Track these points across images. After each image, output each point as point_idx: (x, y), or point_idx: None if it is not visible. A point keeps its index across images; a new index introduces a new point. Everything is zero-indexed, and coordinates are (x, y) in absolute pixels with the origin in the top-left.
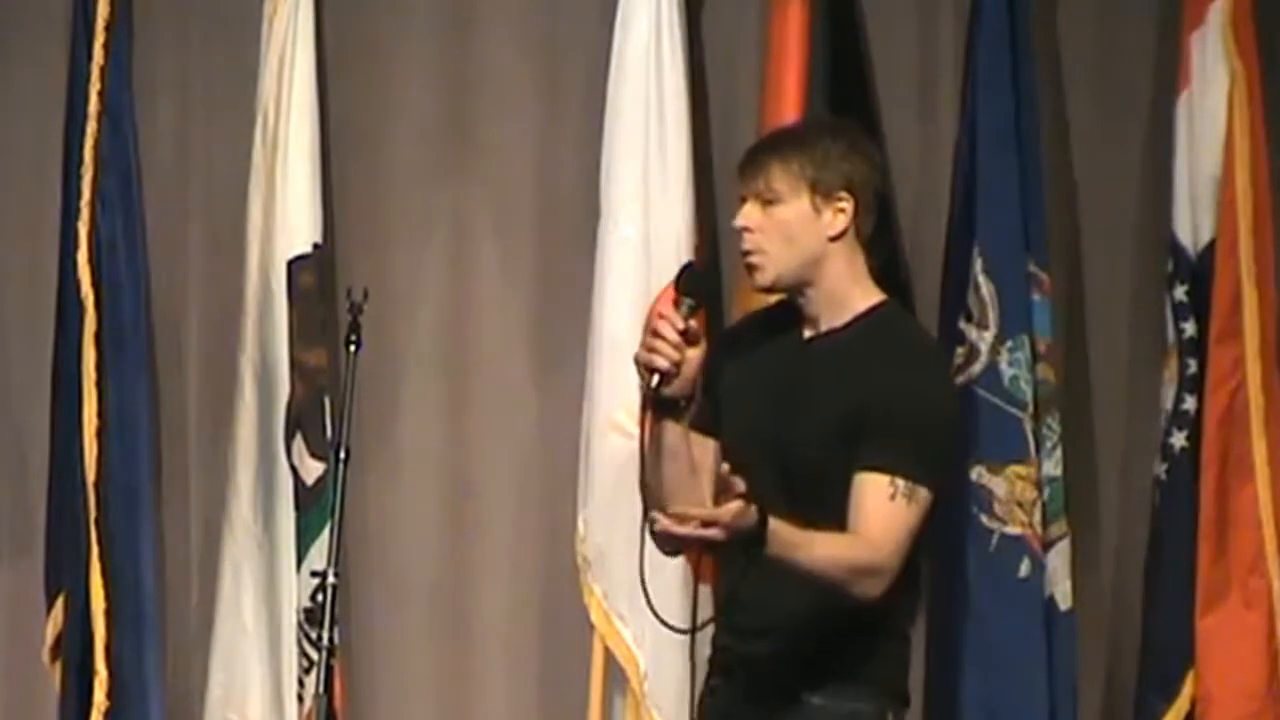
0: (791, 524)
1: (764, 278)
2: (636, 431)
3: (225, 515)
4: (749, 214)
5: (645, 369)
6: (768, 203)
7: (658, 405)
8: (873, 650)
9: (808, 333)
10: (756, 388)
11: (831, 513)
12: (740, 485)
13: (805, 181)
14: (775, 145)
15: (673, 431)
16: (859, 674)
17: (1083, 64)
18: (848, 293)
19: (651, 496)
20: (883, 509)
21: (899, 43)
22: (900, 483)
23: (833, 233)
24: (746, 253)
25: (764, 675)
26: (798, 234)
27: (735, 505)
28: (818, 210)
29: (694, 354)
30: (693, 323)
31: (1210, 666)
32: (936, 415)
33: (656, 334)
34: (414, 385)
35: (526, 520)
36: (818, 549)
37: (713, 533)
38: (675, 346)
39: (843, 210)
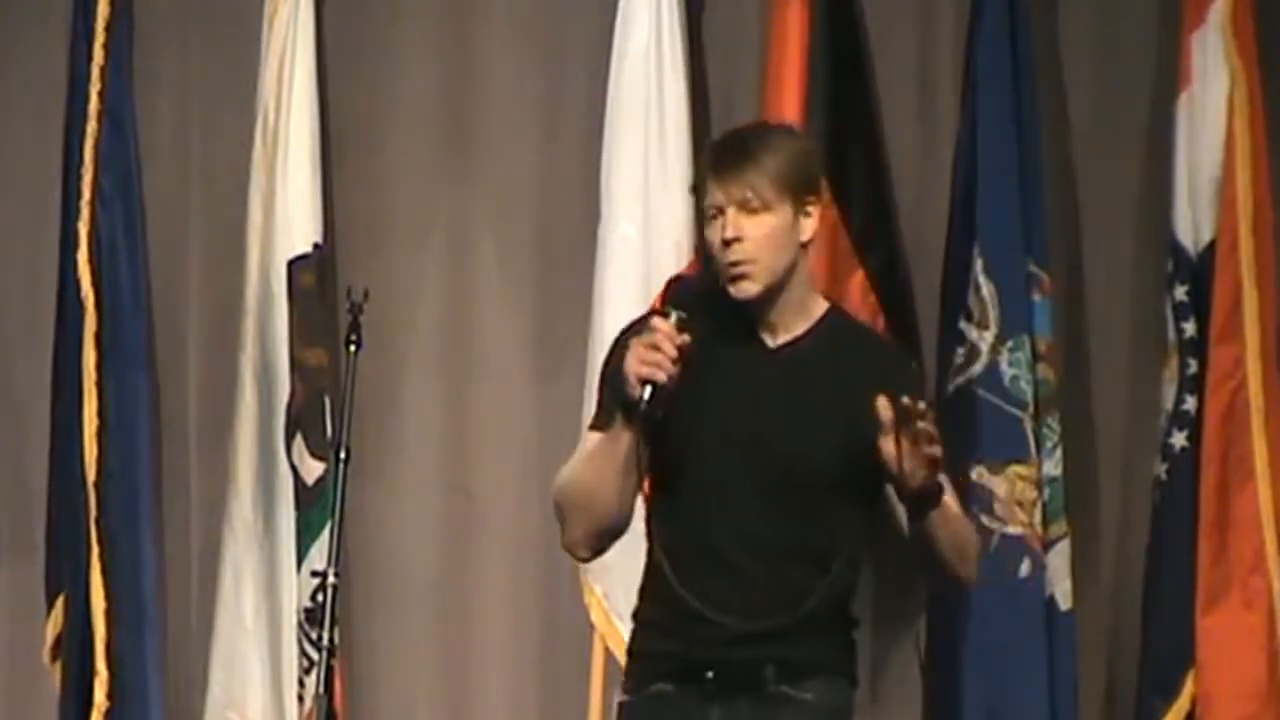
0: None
1: (754, 288)
2: None
3: (225, 515)
4: (738, 223)
5: (640, 382)
6: (754, 211)
7: (639, 417)
8: (846, 644)
9: (768, 340)
10: (726, 395)
11: (817, 520)
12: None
13: (788, 188)
14: (748, 150)
15: (632, 442)
16: (838, 668)
17: (1083, 64)
18: (807, 299)
19: (590, 498)
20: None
21: (899, 42)
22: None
23: (805, 239)
24: (737, 263)
25: (748, 677)
26: (783, 242)
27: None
28: (796, 217)
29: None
30: (685, 337)
31: (1210, 666)
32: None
33: (657, 348)
34: (414, 385)
35: (526, 520)
36: (966, 521)
37: (935, 450)
38: (673, 361)
39: (811, 215)
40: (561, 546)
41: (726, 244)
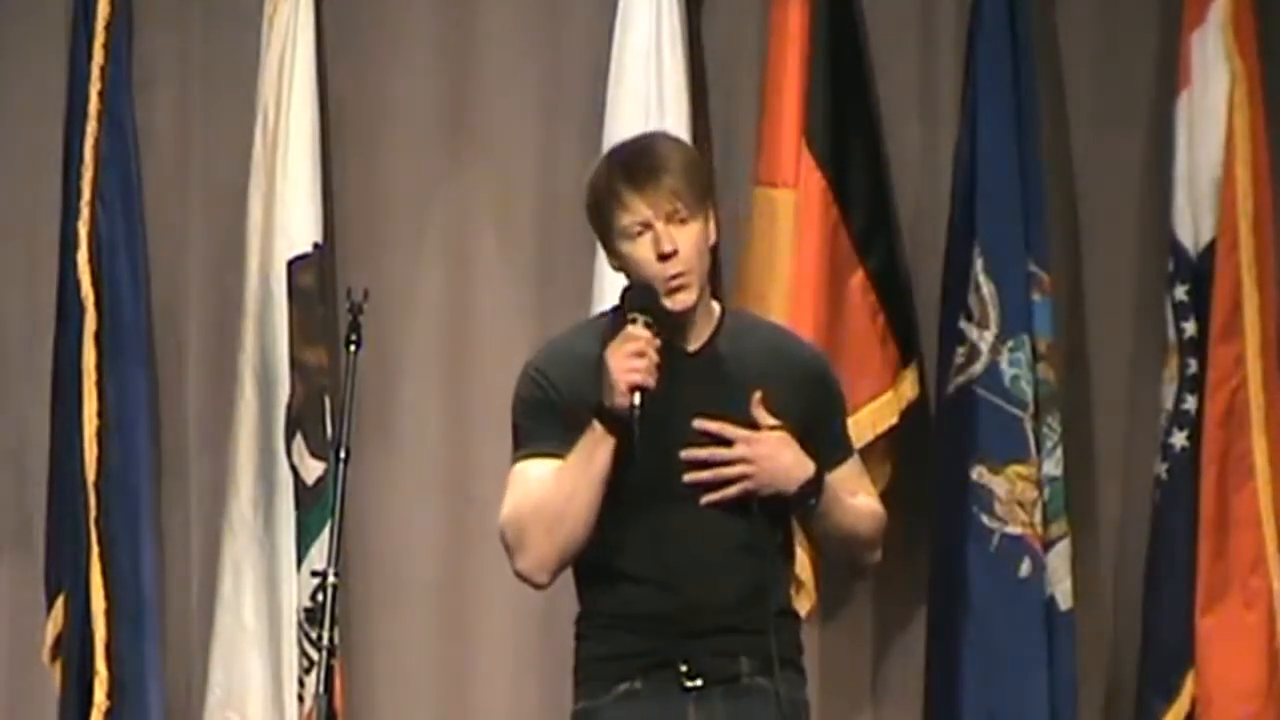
0: (707, 529)
1: (692, 298)
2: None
3: (225, 515)
4: (672, 235)
5: (631, 389)
6: (682, 221)
7: (633, 423)
8: (799, 640)
9: (683, 345)
10: (660, 401)
11: (761, 511)
12: (770, 419)
13: (699, 193)
14: (661, 161)
15: (609, 455)
16: (799, 663)
17: (1083, 64)
18: (709, 302)
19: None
20: (864, 482)
21: (899, 43)
22: (859, 455)
23: (712, 243)
24: (678, 275)
25: (722, 669)
26: (705, 249)
27: (774, 434)
28: (707, 222)
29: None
30: (659, 341)
31: (1210, 666)
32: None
33: (642, 353)
34: (414, 385)
35: None
36: (860, 502)
37: (744, 468)
38: (657, 365)
39: (712, 220)
40: (517, 572)
41: (665, 258)
